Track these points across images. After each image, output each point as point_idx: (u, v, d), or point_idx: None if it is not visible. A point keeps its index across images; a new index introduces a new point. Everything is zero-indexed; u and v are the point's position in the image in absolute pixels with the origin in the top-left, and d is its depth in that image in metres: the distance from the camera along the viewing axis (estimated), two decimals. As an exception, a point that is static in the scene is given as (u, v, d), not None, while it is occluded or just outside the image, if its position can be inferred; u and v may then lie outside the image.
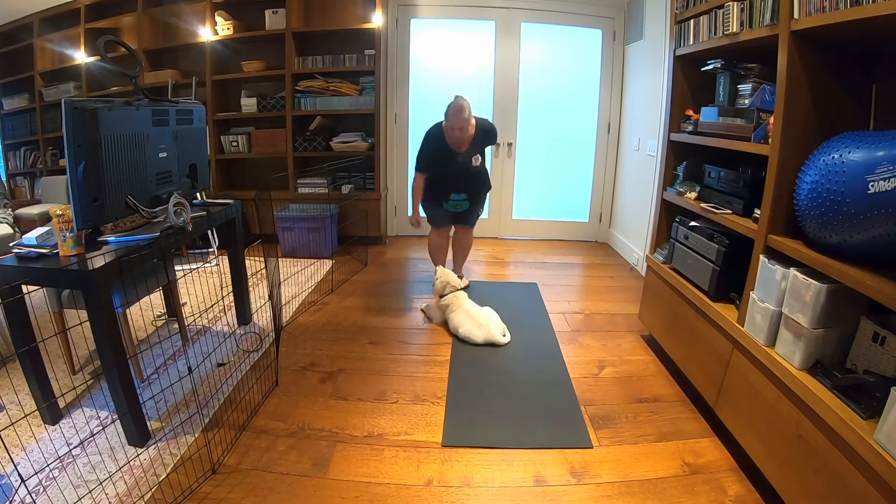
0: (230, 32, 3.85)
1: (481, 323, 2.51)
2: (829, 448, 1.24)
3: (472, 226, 3.19)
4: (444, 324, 2.67)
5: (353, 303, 3.02)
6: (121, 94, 3.16)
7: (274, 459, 1.67)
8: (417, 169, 2.93)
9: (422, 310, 2.90)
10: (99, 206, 1.63)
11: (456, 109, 2.69)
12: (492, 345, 2.46)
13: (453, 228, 3.19)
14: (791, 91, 1.48)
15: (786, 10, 1.46)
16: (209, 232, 3.66)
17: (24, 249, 1.64)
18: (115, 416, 1.71)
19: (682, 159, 2.25)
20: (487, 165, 4.32)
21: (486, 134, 2.91)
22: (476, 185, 3.01)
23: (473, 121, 2.79)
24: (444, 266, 3.07)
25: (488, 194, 3.18)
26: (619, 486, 1.59)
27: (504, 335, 2.52)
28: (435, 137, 2.84)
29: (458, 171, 2.87)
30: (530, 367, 2.29)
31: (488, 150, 4.32)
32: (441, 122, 2.82)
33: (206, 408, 1.92)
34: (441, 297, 2.73)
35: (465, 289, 2.99)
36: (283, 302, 2.88)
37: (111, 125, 1.64)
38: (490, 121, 3.01)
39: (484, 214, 4.63)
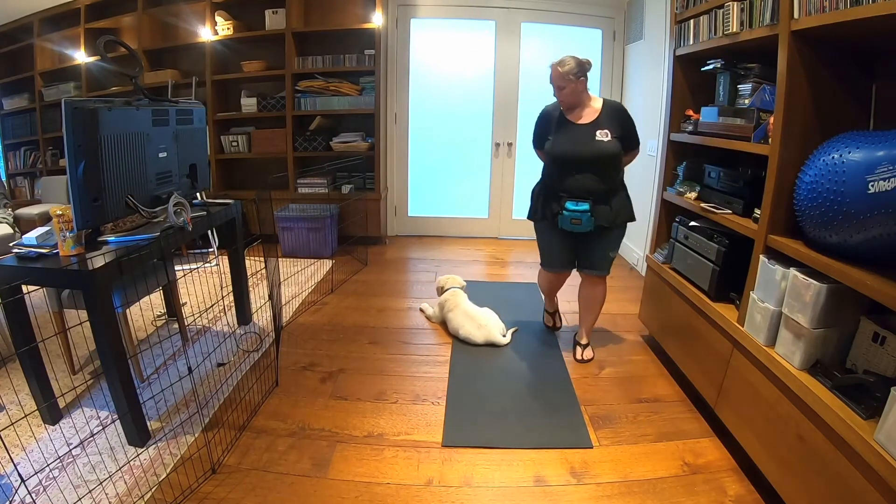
0: (230, 32, 3.85)
1: (481, 324, 2.51)
2: (829, 448, 1.24)
3: (604, 273, 2.27)
4: (444, 322, 2.67)
5: (353, 303, 3.02)
6: (121, 94, 3.17)
7: (274, 459, 1.67)
8: (534, 145, 2.32)
9: (420, 309, 2.90)
10: (99, 206, 1.63)
11: (555, 62, 2.08)
12: (492, 345, 2.46)
13: (579, 275, 2.36)
14: (791, 91, 1.48)
15: (786, 10, 1.46)
16: (209, 232, 3.66)
17: (24, 249, 1.64)
18: (115, 416, 1.71)
19: (682, 159, 2.25)
20: (487, 166, 4.38)
21: (615, 112, 2.14)
22: (607, 192, 2.12)
23: (595, 97, 2.17)
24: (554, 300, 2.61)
25: (623, 224, 2.23)
26: (619, 486, 1.59)
27: (504, 335, 2.52)
28: (549, 109, 2.24)
29: (575, 153, 2.10)
30: (530, 367, 2.29)
31: (488, 151, 4.36)
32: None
33: (206, 408, 1.92)
34: (441, 292, 2.75)
35: (587, 361, 2.38)
36: (283, 302, 2.88)
37: (111, 125, 1.64)
38: (622, 105, 2.24)
39: (483, 214, 4.66)
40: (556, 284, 2.51)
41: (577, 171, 2.12)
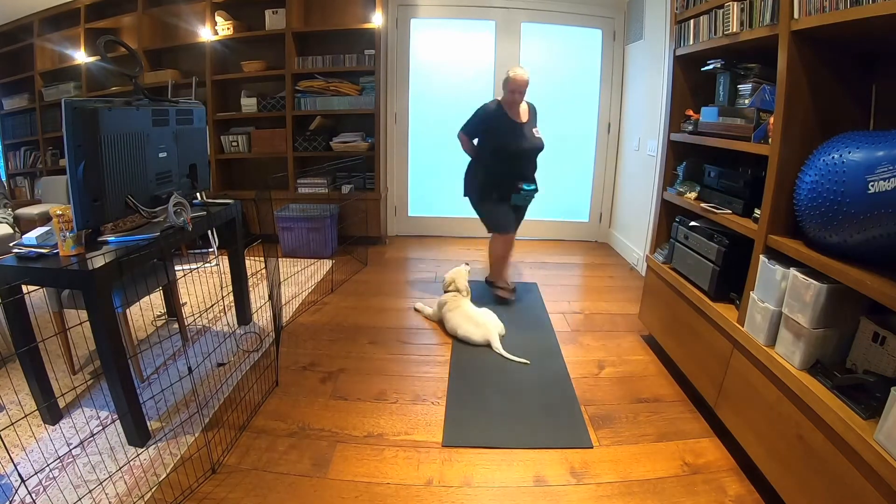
0: (230, 32, 3.85)
1: (479, 322, 2.51)
2: (829, 448, 1.24)
3: (516, 230, 3.01)
4: (441, 321, 2.67)
5: (353, 303, 3.02)
6: (121, 94, 3.17)
7: (274, 459, 1.67)
8: (465, 131, 2.82)
9: (416, 308, 2.90)
10: (99, 206, 1.63)
11: (518, 70, 2.65)
12: (490, 345, 2.45)
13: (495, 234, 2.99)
14: (791, 91, 1.48)
15: (786, 10, 1.46)
16: (209, 232, 3.66)
17: (24, 249, 1.64)
18: (115, 416, 1.71)
19: (682, 159, 2.25)
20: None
21: (535, 112, 2.86)
22: (535, 176, 2.88)
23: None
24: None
25: None
26: (619, 486, 1.59)
27: (503, 335, 2.51)
28: (492, 109, 2.76)
29: (526, 147, 2.72)
30: (530, 368, 2.28)
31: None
32: (494, 99, 2.80)
33: (206, 408, 1.92)
34: (445, 292, 2.73)
35: (511, 294, 3.00)
36: (283, 302, 2.88)
37: (111, 125, 1.64)
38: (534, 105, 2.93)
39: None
40: (511, 245, 2.99)
41: (525, 159, 2.76)
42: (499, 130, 2.71)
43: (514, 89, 2.65)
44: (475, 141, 2.88)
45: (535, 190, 2.78)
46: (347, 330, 2.66)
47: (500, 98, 2.78)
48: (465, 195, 2.97)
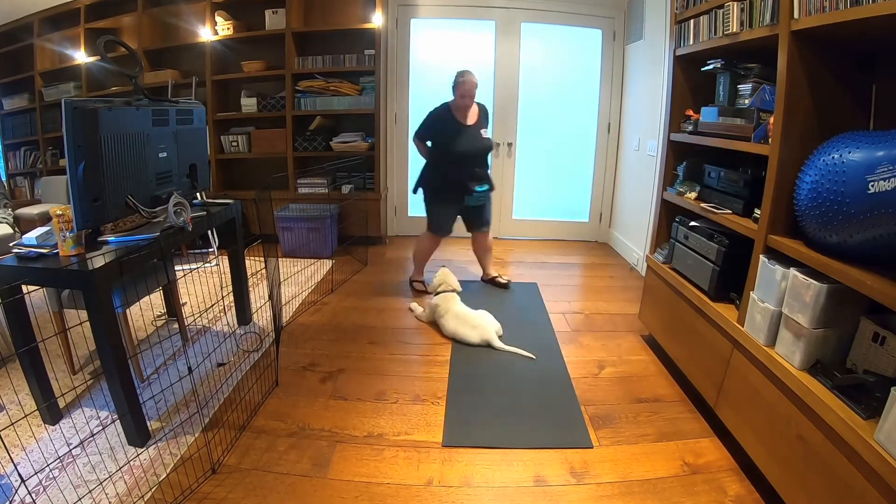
0: (230, 32, 3.85)
1: (475, 324, 2.50)
2: (829, 448, 1.24)
3: (490, 226, 3.18)
4: (434, 323, 2.66)
5: (353, 303, 3.02)
6: (121, 94, 3.16)
7: (274, 459, 1.67)
8: (418, 136, 2.95)
9: (410, 308, 2.90)
10: (99, 206, 1.63)
11: (468, 75, 2.75)
12: (488, 345, 2.45)
13: (472, 235, 3.19)
14: (791, 91, 1.48)
15: (786, 10, 1.46)
16: (209, 232, 3.66)
17: (24, 249, 1.64)
18: (115, 416, 1.71)
19: (682, 159, 2.25)
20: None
21: (485, 112, 2.95)
22: (488, 175, 2.99)
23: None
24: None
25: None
26: (619, 486, 1.59)
27: (500, 335, 2.50)
28: (441, 112, 2.86)
29: (475, 147, 2.84)
30: (530, 367, 2.29)
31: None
32: (444, 103, 2.88)
33: (206, 408, 1.92)
34: (435, 294, 2.73)
35: (504, 286, 3.22)
36: (283, 302, 2.88)
37: (111, 125, 1.64)
38: (485, 105, 3.02)
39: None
40: (436, 246, 3.16)
41: (474, 161, 2.87)
42: (446, 134, 2.82)
43: (464, 93, 2.75)
44: (428, 143, 2.98)
45: (489, 189, 2.94)
46: (347, 330, 2.65)
47: (450, 101, 2.86)
48: (414, 191, 3.04)
